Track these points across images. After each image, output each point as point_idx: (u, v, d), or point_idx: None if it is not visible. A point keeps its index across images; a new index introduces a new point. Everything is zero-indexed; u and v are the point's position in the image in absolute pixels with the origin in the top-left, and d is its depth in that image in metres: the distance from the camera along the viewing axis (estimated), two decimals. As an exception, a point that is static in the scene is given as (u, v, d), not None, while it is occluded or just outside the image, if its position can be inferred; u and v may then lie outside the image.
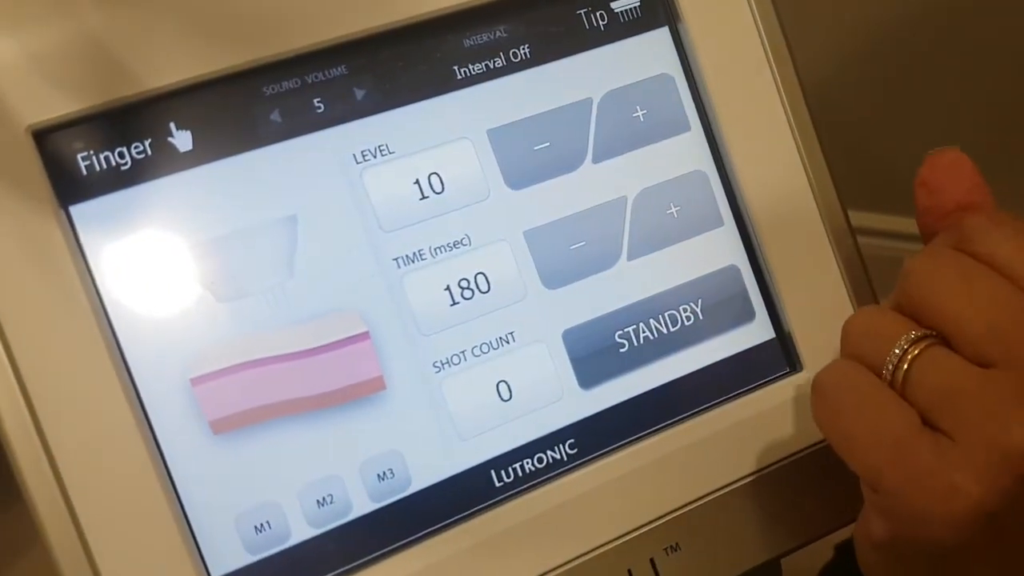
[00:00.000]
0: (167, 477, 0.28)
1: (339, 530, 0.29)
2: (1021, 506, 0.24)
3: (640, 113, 0.33)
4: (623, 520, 0.31)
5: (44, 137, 0.27)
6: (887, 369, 0.26)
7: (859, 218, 0.37)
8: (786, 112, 0.33)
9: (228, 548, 0.28)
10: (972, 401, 0.24)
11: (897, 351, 0.26)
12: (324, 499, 0.29)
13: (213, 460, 0.28)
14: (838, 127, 0.39)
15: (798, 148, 0.33)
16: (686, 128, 0.33)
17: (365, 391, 0.30)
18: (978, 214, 0.27)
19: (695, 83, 0.33)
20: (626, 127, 0.33)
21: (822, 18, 0.60)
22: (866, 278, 0.34)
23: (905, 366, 0.25)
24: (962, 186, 0.29)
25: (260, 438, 0.29)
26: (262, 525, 0.29)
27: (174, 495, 0.28)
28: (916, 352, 0.25)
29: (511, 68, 0.32)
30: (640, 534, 0.31)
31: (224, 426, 0.28)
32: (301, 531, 0.29)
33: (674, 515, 0.31)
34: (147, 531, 0.27)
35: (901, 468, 0.25)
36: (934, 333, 0.26)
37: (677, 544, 0.31)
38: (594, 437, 0.32)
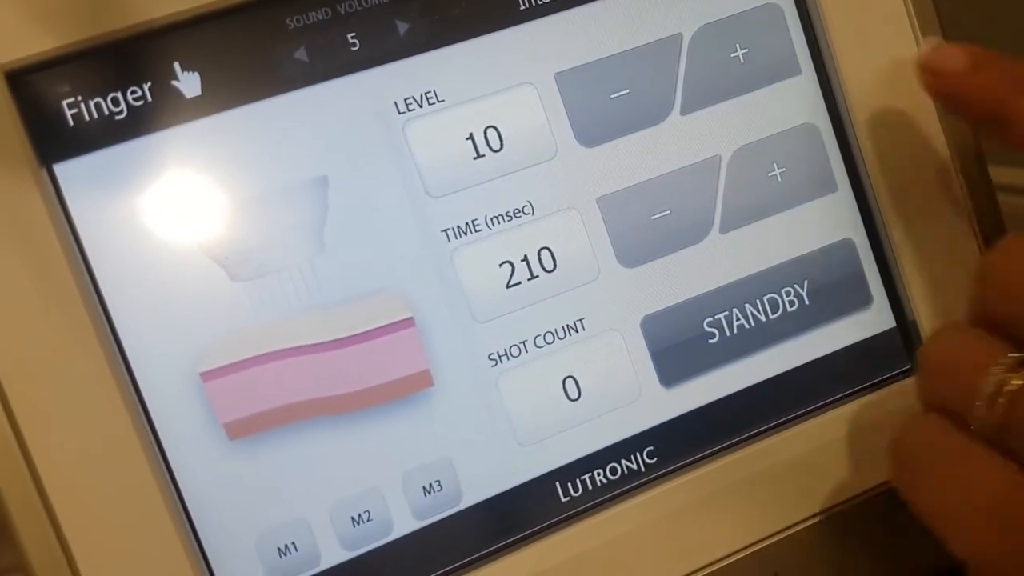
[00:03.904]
0: (174, 492, 0.25)
1: (377, 553, 0.27)
2: None
3: (740, 53, 0.29)
4: (711, 546, 0.28)
5: (21, 80, 0.24)
6: (977, 414, 0.22)
7: (1001, 174, 0.33)
8: (916, 39, 0.29)
9: (247, 574, 0.25)
10: None
11: (987, 388, 0.22)
12: (360, 517, 0.26)
13: (228, 470, 0.25)
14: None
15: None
16: (796, 71, 0.29)
17: (409, 388, 0.26)
18: None
19: (808, 15, 0.29)
20: (723, 70, 0.29)
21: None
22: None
23: (1000, 405, 0.21)
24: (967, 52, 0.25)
25: (284, 444, 0.26)
26: (287, 547, 0.26)
27: (182, 513, 0.25)
28: (1015, 385, 0.21)
29: (585, -3, 0.28)
30: (732, 562, 0.28)
31: (241, 430, 0.25)
32: (333, 554, 0.26)
33: (773, 540, 0.28)
34: (150, 557, 0.24)
35: (1004, 543, 0.21)
36: None
37: (778, 573, 0.28)
38: (677, 445, 0.29)
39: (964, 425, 0.22)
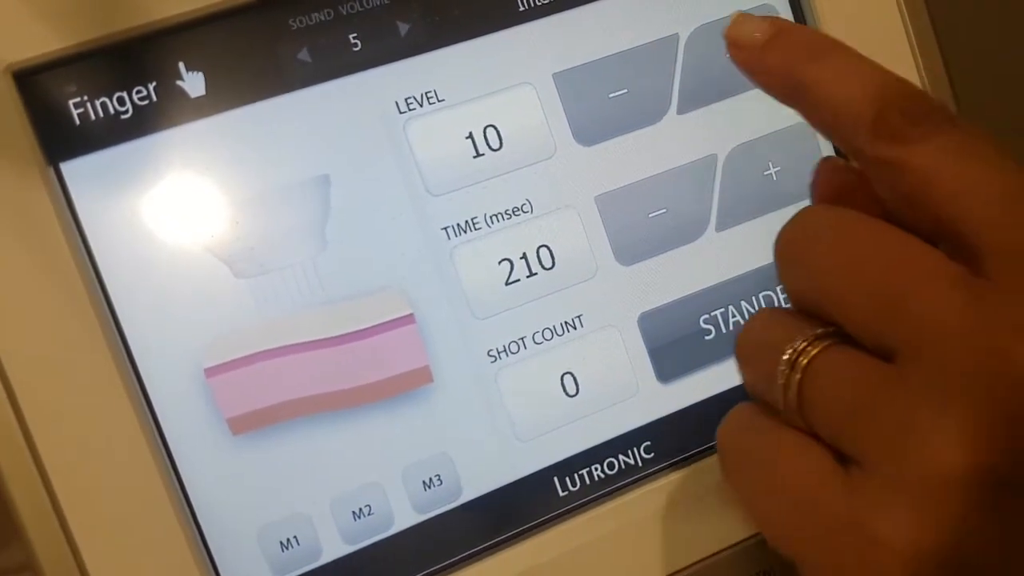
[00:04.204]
0: (177, 486, 0.25)
1: (378, 547, 0.27)
2: (974, 543, 0.18)
3: (736, 54, 0.29)
4: (707, 540, 0.28)
5: (28, 80, 0.24)
6: (775, 396, 0.21)
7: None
8: (913, 50, 0.29)
9: (249, 568, 0.26)
10: (876, 416, 0.19)
11: (783, 367, 0.20)
12: (361, 511, 0.26)
13: (231, 465, 0.26)
14: (976, 71, 0.34)
15: (923, 85, 0.29)
16: (791, 73, 0.29)
17: (409, 384, 0.27)
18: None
19: (803, 15, 0.29)
20: (719, 70, 0.29)
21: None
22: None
23: (795, 383, 0.20)
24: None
25: (286, 439, 0.26)
26: (289, 541, 0.26)
27: (186, 507, 0.25)
28: (806, 361, 0.20)
29: (583, -2, 0.28)
30: (727, 556, 0.28)
31: (244, 425, 0.26)
32: (334, 548, 0.27)
33: (768, 533, 0.28)
34: (154, 550, 0.24)
35: (809, 531, 0.20)
36: (832, 329, 0.21)
37: (771, 568, 0.28)
38: (674, 440, 0.29)
39: (775, 411, 0.21)
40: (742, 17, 0.23)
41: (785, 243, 0.22)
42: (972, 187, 0.19)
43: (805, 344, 0.20)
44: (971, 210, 0.19)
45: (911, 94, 0.21)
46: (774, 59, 0.22)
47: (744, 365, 0.23)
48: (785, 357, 0.21)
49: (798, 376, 0.20)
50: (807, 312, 0.21)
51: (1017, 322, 0.18)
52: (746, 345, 0.23)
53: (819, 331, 0.21)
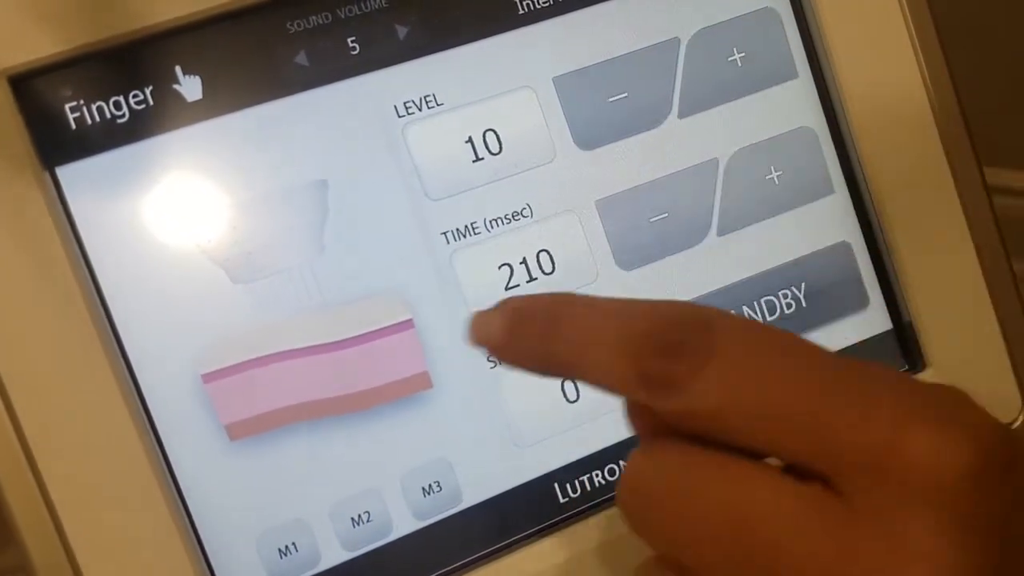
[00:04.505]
0: (175, 492, 0.25)
1: (377, 553, 0.27)
2: None
3: (737, 56, 0.29)
4: (710, 545, 0.27)
5: (24, 84, 0.24)
6: None
7: (996, 176, 0.32)
8: (916, 53, 0.29)
9: (248, 574, 0.26)
10: None
11: None
12: (360, 517, 0.26)
13: (229, 471, 0.26)
14: (975, 66, 0.34)
15: (929, 98, 0.29)
16: (792, 75, 0.29)
17: (408, 390, 0.27)
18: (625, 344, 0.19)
19: (805, 19, 0.29)
20: (720, 74, 0.29)
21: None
22: (1005, 256, 0.30)
23: None
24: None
25: (284, 445, 0.26)
26: (288, 548, 0.26)
27: (183, 514, 0.25)
28: None
29: (583, 1, 0.28)
30: (730, 562, 0.27)
31: (242, 431, 0.25)
32: (333, 555, 0.26)
33: (770, 540, 0.28)
34: (152, 557, 0.24)
35: None
36: None
37: None
38: (676, 445, 0.28)
39: None
40: (477, 319, 0.21)
41: (625, 504, 0.20)
42: (757, 415, 0.18)
43: None
44: (779, 436, 0.18)
45: (660, 326, 0.19)
46: (524, 350, 0.21)
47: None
48: None
49: None
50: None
51: (879, 561, 0.17)
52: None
53: None
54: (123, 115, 0.25)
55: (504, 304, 0.21)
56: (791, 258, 0.29)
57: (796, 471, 0.18)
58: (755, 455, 0.18)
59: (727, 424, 0.18)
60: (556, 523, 0.28)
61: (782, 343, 0.19)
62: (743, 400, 0.18)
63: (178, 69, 0.25)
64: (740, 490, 0.18)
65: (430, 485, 0.27)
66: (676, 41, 0.29)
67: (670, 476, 0.19)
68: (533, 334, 0.20)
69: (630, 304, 0.20)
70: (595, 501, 0.28)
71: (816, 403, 0.18)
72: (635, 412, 0.21)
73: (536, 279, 0.28)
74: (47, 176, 0.24)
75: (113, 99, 0.25)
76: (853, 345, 0.30)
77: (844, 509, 0.17)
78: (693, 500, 0.18)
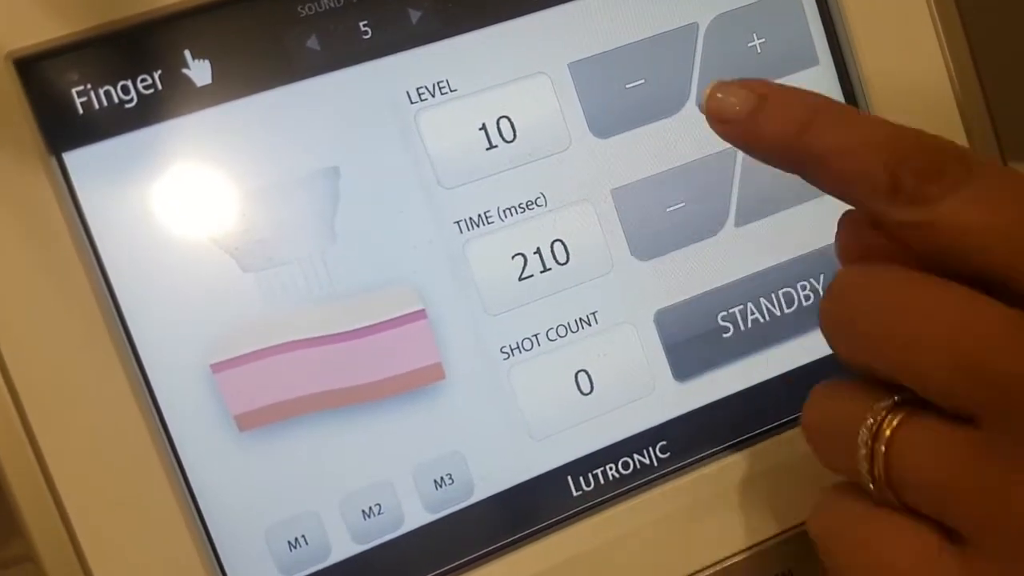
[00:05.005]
0: (183, 483, 0.25)
1: (389, 546, 0.26)
2: None
3: (757, 42, 0.28)
4: (724, 541, 0.27)
5: (30, 67, 0.24)
6: (863, 478, 0.20)
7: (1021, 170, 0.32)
8: (940, 41, 0.28)
9: (257, 568, 0.25)
10: (970, 490, 0.18)
11: (863, 449, 0.20)
12: (371, 510, 0.26)
13: (238, 463, 0.25)
14: (1000, 57, 0.34)
15: (953, 88, 0.29)
16: (813, 62, 0.29)
17: (420, 381, 0.26)
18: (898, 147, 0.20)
19: (827, 5, 0.29)
20: (739, 60, 0.28)
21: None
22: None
23: (881, 458, 0.19)
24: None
25: (294, 436, 0.26)
26: (297, 540, 0.25)
27: (192, 506, 0.25)
28: (888, 433, 0.19)
29: (601, -15, 0.27)
30: (745, 558, 0.27)
31: (252, 422, 0.25)
32: (344, 547, 0.26)
33: (786, 536, 0.28)
34: (159, 550, 0.24)
35: None
36: (906, 395, 0.20)
37: (790, 572, 0.27)
38: (690, 440, 0.28)
39: (862, 491, 0.20)
40: (718, 87, 0.22)
41: (832, 314, 0.21)
42: (1009, 235, 0.18)
43: (881, 417, 0.20)
44: (1016, 259, 0.18)
45: (921, 148, 0.20)
46: (766, 131, 0.21)
47: (817, 446, 0.22)
48: (862, 437, 0.20)
49: (882, 452, 0.19)
50: (869, 377, 0.20)
51: None
52: (814, 425, 0.22)
53: (894, 399, 0.20)
54: (131, 100, 0.24)
55: (750, 82, 0.21)
56: (810, 250, 0.29)
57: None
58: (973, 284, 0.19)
59: (963, 240, 0.19)
60: (570, 517, 0.27)
61: None
62: (987, 220, 0.19)
63: (187, 53, 0.25)
64: (959, 302, 0.19)
65: (442, 478, 0.26)
66: (695, 27, 0.28)
67: (881, 284, 0.20)
68: (787, 120, 0.21)
69: (893, 124, 0.20)
70: (609, 495, 0.27)
71: None
72: (850, 233, 0.22)
73: (550, 269, 0.27)
74: (54, 162, 0.24)
75: (121, 83, 0.24)
76: (872, 338, 0.29)
77: None
78: (905, 306, 0.19)
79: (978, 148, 0.29)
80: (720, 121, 0.22)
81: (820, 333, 0.29)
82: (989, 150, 0.29)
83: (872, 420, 0.20)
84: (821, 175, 0.21)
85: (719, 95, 0.21)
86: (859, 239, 0.21)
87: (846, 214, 0.22)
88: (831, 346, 0.21)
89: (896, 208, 0.19)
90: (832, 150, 0.20)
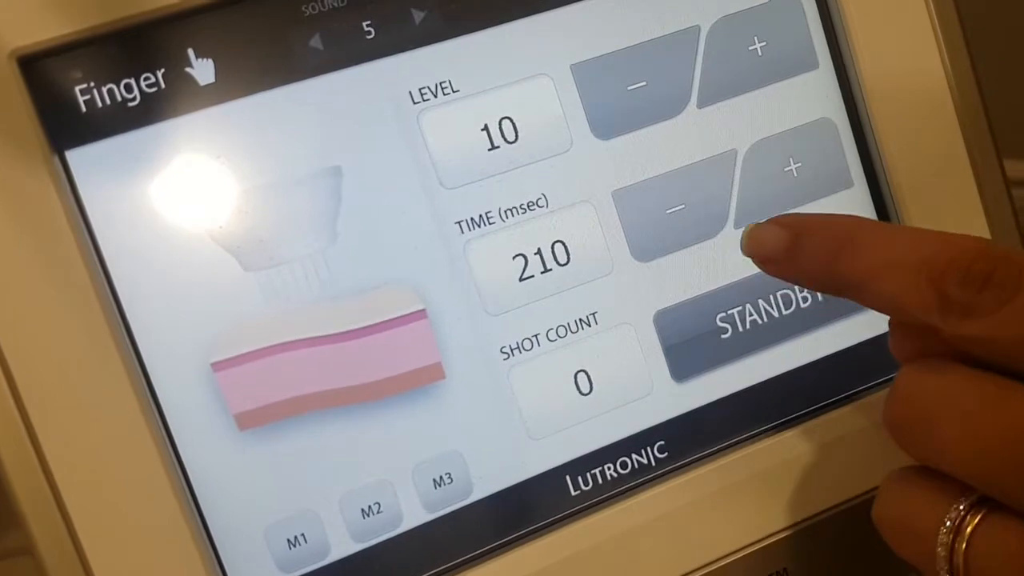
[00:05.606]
0: (183, 482, 0.25)
1: (387, 545, 0.26)
2: None
3: (758, 46, 0.28)
4: (721, 541, 0.28)
5: (33, 65, 0.24)
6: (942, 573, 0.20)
7: (1016, 168, 0.32)
8: (939, 44, 0.28)
9: (256, 566, 0.25)
10: None
11: (943, 551, 0.20)
12: (370, 508, 0.26)
13: (239, 462, 0.25)
14: (996, 57, 0.34)
15: (951, 90, 0.29)
16: (814, 65, 0.29)
17: (420, 380, 0.26)
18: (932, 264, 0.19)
19: (827, 8, 0.29)
20: (740, 63, 0.28)
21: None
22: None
23: (960, 565, 0.19)
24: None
25: (294, 435, 0.26)
26: (297, 539, 0.26)
27: (192, 504, 0.25)
28: (968, 534, 0.19)
29: (603, -13, 0.27)
30: (742, 558, 0.27)
31: (252, 421, 0.25)
32: (343, 546, 0.26)
33: (782, 536, 0.28)
34: (160, 547, 0.24)
35: None
36: (978, 496, 0.20)
37: (785, 570, 0.28)
38: (689, 440, 0.28)
39: None
40: (755, 230, 0.22)
41: (899, 417, 0.21)
42: None
43: (960, 517, 0.20)
44: None
45: (964, 256, 0.19)
46: (805, 267, 0.22)
47: (892, 540, 0.22)
48: (942, 538, 0.20)
49: (962, 551, 0.19)
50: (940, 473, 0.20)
51: None
52: (890, 522, 0.22)
53: (972, 499, 0.20)
54: (134, 98, 0.24)
55: (782, 219, 0.22)
56: (808, 252, 0.29)
57: None
58: None
59: (1022, 353, 0.19)
60: (568, 516, 0.27)
61: None
62: None
63: (191, 52, 0.25)
64: None
65: (441, 477, 0.27)
66: (696, 29, 0.28)
67: (957, 387, 0.20)
68: (822, 251, 0.21)
69: (928, 233, 0.20)
70: (608, 494, 0.28)
71: None
72: (904, 334, 0.22)
73: (551, 270, 0.27)
74: (56, 160, 0.24)
75: (124, 82, 0.24)
76: (868, 340, 0.29)
77: None
78: (983, 413, 0.19)
79: (974, 148, 0.29)
80: (763, 262, 0.23)
81: (817, 334, 0.29)
82: (985, 150, 0.29)
83: (951, 521, 0.20)
84: (867, 300, 0.21)
85: (755, 237, 0.22)
86: (914, 339, 0.21)
87: (892, 322, 0.22)
88: (900, 446, 0.21)
89: (951, 321, 0.19)
90: (870, 274, 0.20)
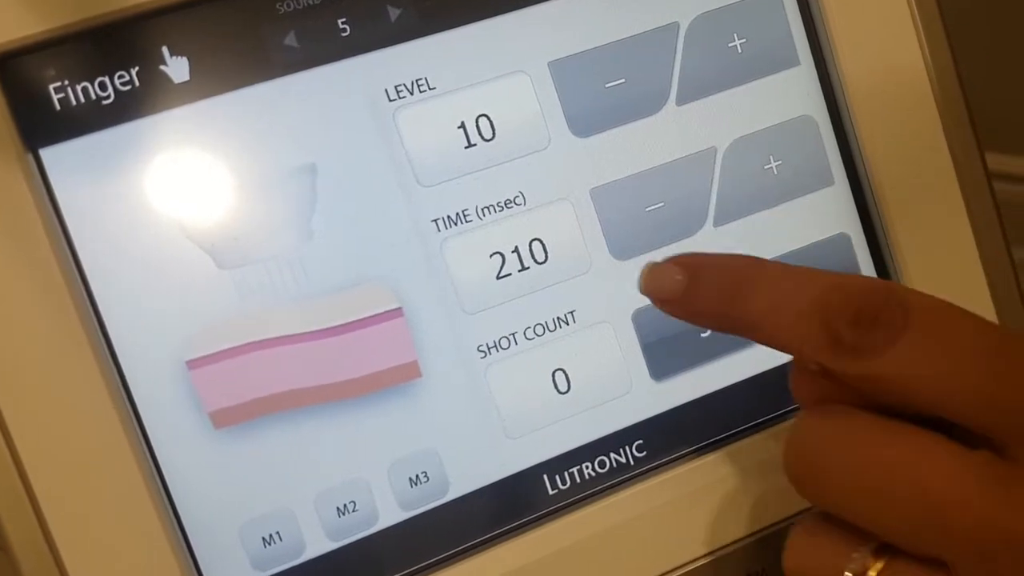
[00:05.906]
0: (158, 480, 0.25)
1: (363, 544, 0.26)
2: None
3: (738, 43, 0.28)
4: (699, 540, 0.27)
5: (7, 63, 0.24)
6: None
7: (997, 161, 0.32)
8: (920, 40, 0.28)
9: (231, 564, 0.25)
10: None
11: None
12: (345, 507, 0.26)
13: (213, 460, 0.25)
14: (976, 51, 0.34)
15: (932, 85, 0.28)
16: (794, 62, 0.29)
17: (396, 379, 0.26)
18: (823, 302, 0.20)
19: (807, 5, 0.29)
20: (719, 60, 0.28)
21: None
22: (1005, 243, 0.29)
23: None
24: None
25: (270, 433, 0.26)
26: (272, 537, 0.26)
27: (166, 503, 0.25)
28: None
29: (581, -16, 0.27)
30: (720, 557, 0.27)
31: (227, 419, 0.25)
32: (318, 544, 0.26)
33: (761, 535, 0.28)
34: (134, 545, 0.24)
35: None
36: (879, 543, 0.20)
37: (763, 571, 0.27)
38: (667, 439, 0.28)
39: None
40: (653, 269, 0.22)
41: (795, 467, 0.21)
42: (956, 383, 0.19)
43: (862, 569, 0.20)
44: (966, 406, 0.19)
45: (852, 296, 0.20)
46: (700, 307, 0.22)
47: None
48: None
49: None
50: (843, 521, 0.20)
51: None
52: (799, 571, 0.22)
53: (872, 547, 0.20)
54: (108, 96, 0.24)
55: (681, 259, 0.22)
56: (789, 250, 0.29)
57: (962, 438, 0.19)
58: (922, 422, 0.19)
59: (912, 389, 0.19)
60: (545, 515, 0.27)
61: (972, 320, 0.20)
62: (933, 369, 0.19)
63: (165, 50, 0.25)
64: (919, 453, 0.19)
65: (417, 475, 0.27)
66: (675, 26, 0.28)
67: (844, 438, 0.20)
68: (717, 292, 0.21)
69: (819, 274, 0.21)
70: (585, 493, 0.28)
71: (998, 377, 0.19)
72: (802, 378, 0.22)
73: (528, 268, 0.27)
74: (30, 158, 0.24)
75: (98, 80, 0.24)
76: (850, 339, 0.29)
77: (1013, 471, 0.18)
78: (870, 462, 0.19)
79: (955, 142, 0.29)
80: (659, 301, 0.23)
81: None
82: (966, 144, 0.29)
83: (855, 567, 0.20)
84: (763, 341, 0.21)
85: (654, 276, 0.22)
86: (811, 382, 0.22)
87: (793, 365, 0.22)
88: (801, 495, 0.21)
89: (840, 361, 0.19)
90: (763, 314, 0.21)
